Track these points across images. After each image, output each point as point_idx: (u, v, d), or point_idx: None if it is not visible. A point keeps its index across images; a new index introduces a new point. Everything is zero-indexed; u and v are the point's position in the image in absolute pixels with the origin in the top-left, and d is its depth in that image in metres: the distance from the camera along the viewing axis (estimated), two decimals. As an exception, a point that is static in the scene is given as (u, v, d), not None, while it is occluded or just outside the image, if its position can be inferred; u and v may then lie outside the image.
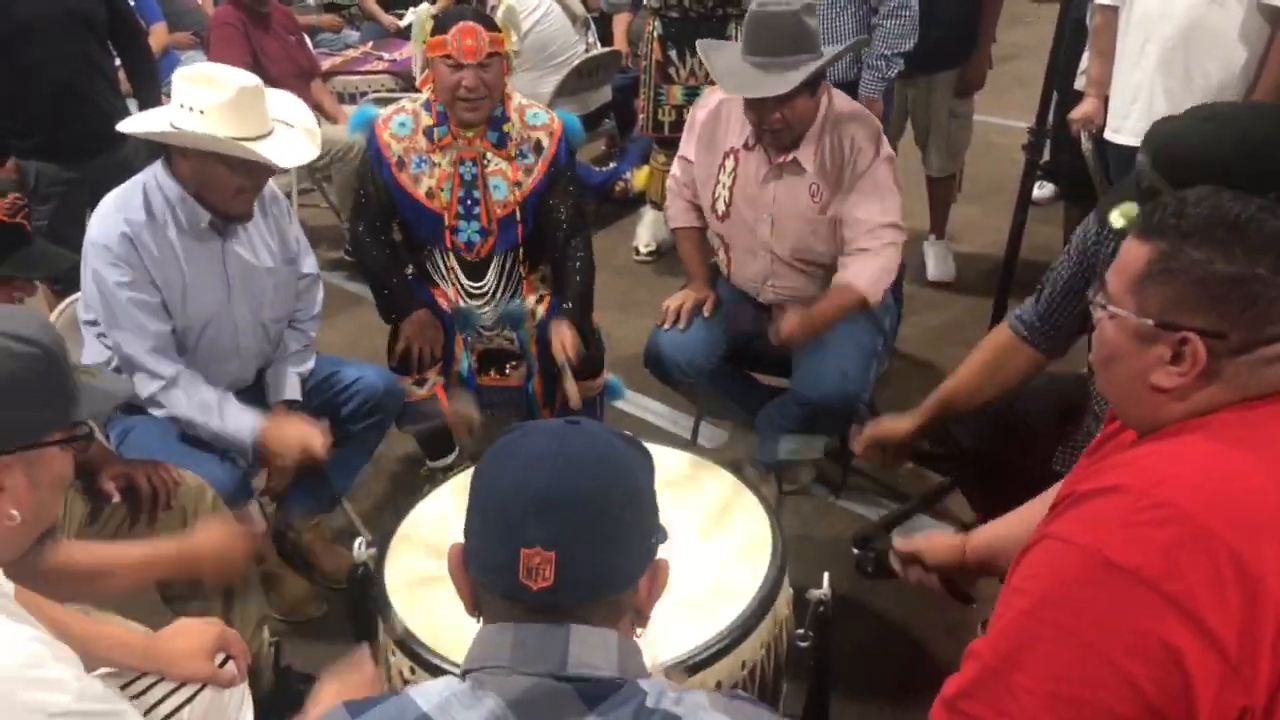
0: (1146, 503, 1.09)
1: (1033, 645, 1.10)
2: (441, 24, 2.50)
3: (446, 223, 2.67)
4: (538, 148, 2.67)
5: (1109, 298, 1.25)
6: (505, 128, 2.63)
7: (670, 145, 4.29)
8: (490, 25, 2.50)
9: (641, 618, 1.07)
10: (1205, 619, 1.03)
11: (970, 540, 1.72)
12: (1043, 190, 4.94)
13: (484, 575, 1.03)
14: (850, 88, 3.21)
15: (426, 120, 2.61)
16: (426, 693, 1.02)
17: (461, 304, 2.77)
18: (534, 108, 2.70)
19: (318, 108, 4.36)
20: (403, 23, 5.59)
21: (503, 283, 2.79)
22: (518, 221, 2.71)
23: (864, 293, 2.54)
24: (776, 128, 2.50)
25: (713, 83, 3.25)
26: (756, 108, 2.49)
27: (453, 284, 2.77)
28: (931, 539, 1.77)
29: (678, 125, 4.14)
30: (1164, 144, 1.68)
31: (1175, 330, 1.17)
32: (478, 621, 1.06)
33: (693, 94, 4.10)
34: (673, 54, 4.06)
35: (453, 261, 2.75)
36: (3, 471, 1.18)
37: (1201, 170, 1.55)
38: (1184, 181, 1.55)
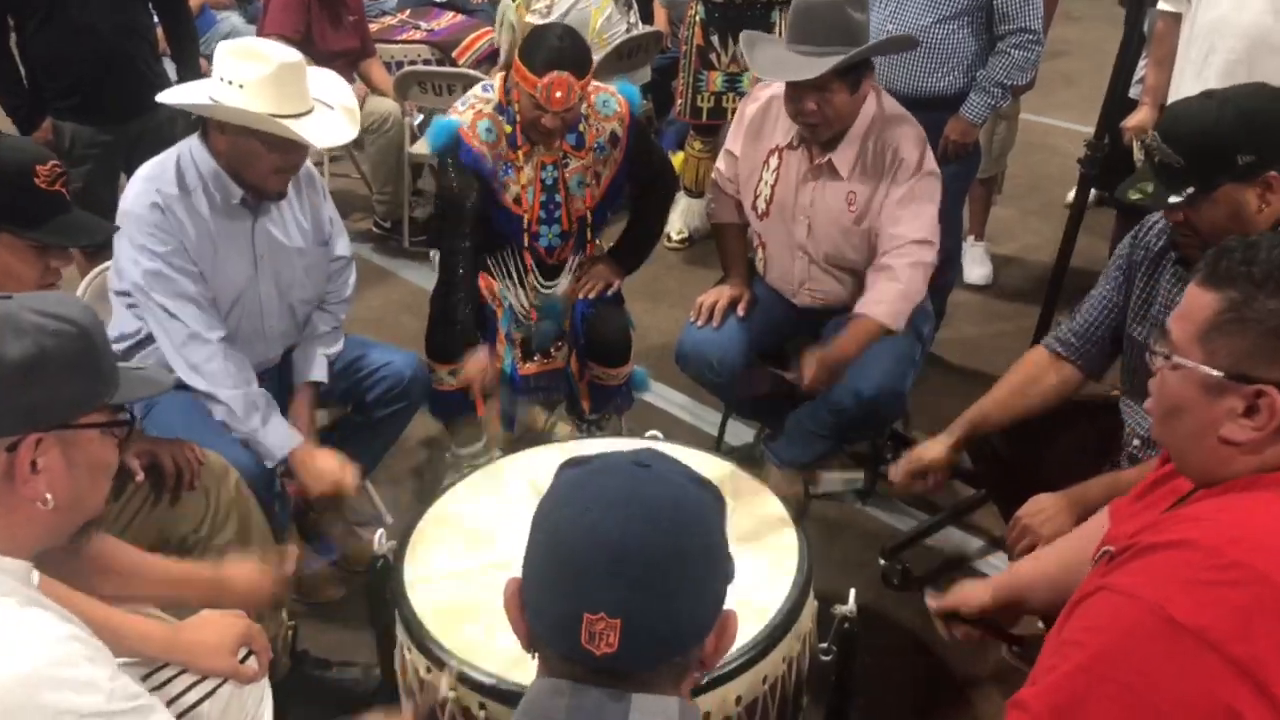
0: (1218, 561, 1.06)
1: (1088, 701, 1.07)
2: (532, 55, 2.41)
3: (530, 228, 2.65)
4: (613, 139, 2.66)
5: (1173, 347, 1.21)
6: (581, 127, 2.61)
7: (707, 132, 4.27)
8: (582, 69, 2.43)
9: (705, 668, 1.02)
10: (1270, 685, 1.01)
11: (1001, 582, 1.69)
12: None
13: (542, 627, 0.98)
14: (959, 99, 3.03)
15: (506, 126, 2.56)
16: None
17: (529, 303, 2.77)
18: (601, 92, 2.66)
19: (367, 80, 4.32)
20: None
21: (572, 281, 2.80)
22: (590, 225, 2.73)
23: (883, 324, 2.47)
24: (812, 120, 2.44)
25: (755, 71, 3.20)
26: (792, 97, 2.44)
27: (528, 287, 2.75)
28: (963, 593, 1.73)
29: (716, 112, 4.11)
30: (1171, 119, 1.82)
31: (1250, 382, 1.14)
32: (532, 658, 1.02)
33: (733, 81, 4.05)
34: (714, 39, 4.00)
35: (530, 263, 2.72)
36: (38, 450, 1.16)
37: (1203, 138, 1.74)
38: (1188, 149, 1.73)
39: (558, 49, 2.42)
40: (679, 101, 4.23)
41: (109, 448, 1.26)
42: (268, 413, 2.21)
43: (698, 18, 4.00)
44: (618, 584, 0.92)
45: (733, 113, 3.85)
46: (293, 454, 2.21)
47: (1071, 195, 4.84)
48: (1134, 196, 1.82)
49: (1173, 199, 1.76)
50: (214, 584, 1.74)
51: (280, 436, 2.21)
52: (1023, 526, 1.91)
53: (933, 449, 2.14)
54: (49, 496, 1.17)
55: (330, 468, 2.23)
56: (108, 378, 1.25)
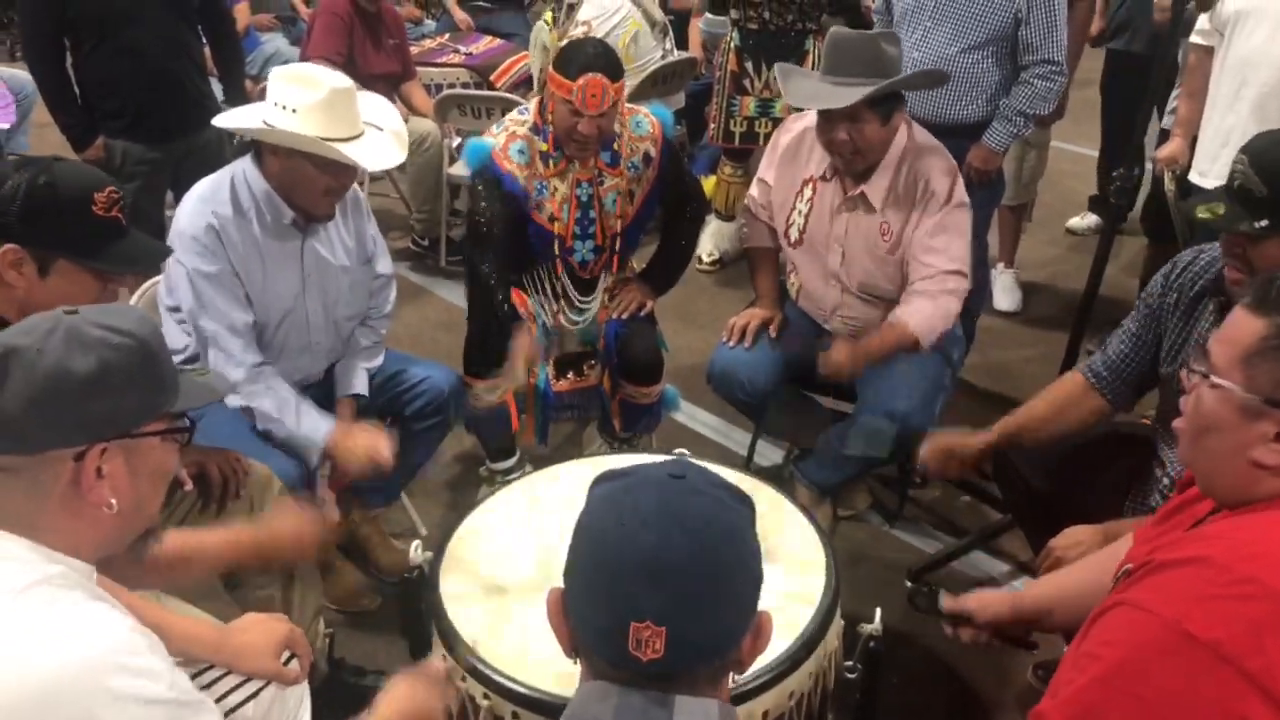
0: (1231, 577, 1.09)
1: (1105, 713, 1.10)
2: (567, 63, 2.47)
3: (565, 244, 2.70)
4: (646, 159, 2.71)
5: (1213, 368, 1.23)
6: (616, 145, 2.66)
7: (739, 156, 4.32)
8: (615, 73, 2.48)
9: (742, 668, 1.05)
10: None
11: (1023, 597, 1.71)
12: (1085, 220, 4.87)
13: (588, 635, 1.01)
14: (982, 127, 3.06)
15: (540, 145, 2.61)
16: None
17: (564, 320, 2.80)
18: (635, 113, 2.72)
19: (407, 102, 4.39)
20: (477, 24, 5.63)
21: (606, 297, 2.84)
22: (624, 240, 2.76)
23: (915, 334, 2.51)
24: (844, 150, 2.49)
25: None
26: (824, 127, 2.49)
27: (561, 300, 2.80)
28: (982, 597, 1.74)
29: (749, 136, 4.16)
30: (1266, 148, 1.74)
31: None
32: (574, 664, 1.06)
33: (766, 106, 4.10)
34: (749, 65, 4.06)
35: (563, 276, 2.77)
36: (103, 458, 1.20)
37: None
38: (1276, 181, 1.66)
39: (591, 55, 2.49)
40: (712, 126, 4.28)
41: (170, 453, 1.30)
42: (299, 407, 2.28)
43: (733, 44, 4.06)
44: (661, 594, 0.96)
45: (765, 137, 3.92)
46: (330, 439, 2.27)
47: (1073, 221, 4.91)
48: (1203, 215, 1.79)
49: (1243, 226, 1.72)
50: (261, 543, 1.80)
51: (314, 425, 2.27)
52: (1056, 558, 1.91)
53: (970, 441, 2.13)
54: (113, 502, 1.21)
55: (365, 443, 2.26)
56: (168, 387, 1.28)
